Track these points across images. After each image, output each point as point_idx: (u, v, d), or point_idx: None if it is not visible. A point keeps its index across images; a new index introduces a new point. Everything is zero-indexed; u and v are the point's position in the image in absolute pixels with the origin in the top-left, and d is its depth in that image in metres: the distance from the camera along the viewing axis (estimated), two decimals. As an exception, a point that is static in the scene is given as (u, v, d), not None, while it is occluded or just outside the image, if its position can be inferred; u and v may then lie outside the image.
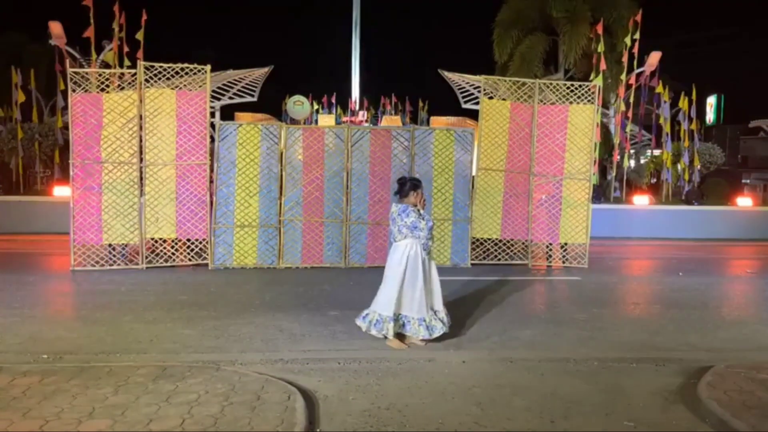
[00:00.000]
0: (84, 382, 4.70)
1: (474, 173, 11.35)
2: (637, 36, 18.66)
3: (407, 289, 5.96)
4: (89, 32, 16.99)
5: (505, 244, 11.47)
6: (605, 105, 20.17)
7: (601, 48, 17.87)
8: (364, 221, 10.88)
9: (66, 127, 10.61)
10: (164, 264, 10.49)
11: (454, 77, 13.54)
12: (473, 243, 11.32)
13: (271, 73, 13.12)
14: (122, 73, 10.78)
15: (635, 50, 19.06)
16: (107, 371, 4.96)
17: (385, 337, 6.02)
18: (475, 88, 11.88)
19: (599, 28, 18.64)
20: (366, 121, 22.88)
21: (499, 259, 11.40)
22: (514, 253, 11.53)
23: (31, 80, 20.62)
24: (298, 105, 15.17)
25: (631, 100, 19.44)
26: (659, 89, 20.53)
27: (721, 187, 21.62)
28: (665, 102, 20.88)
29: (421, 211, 6.05)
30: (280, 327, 6.83)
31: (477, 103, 11.51)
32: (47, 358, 5.60)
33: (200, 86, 10.50)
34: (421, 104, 26.62)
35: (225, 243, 10.59)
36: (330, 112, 23.97)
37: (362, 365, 5.51)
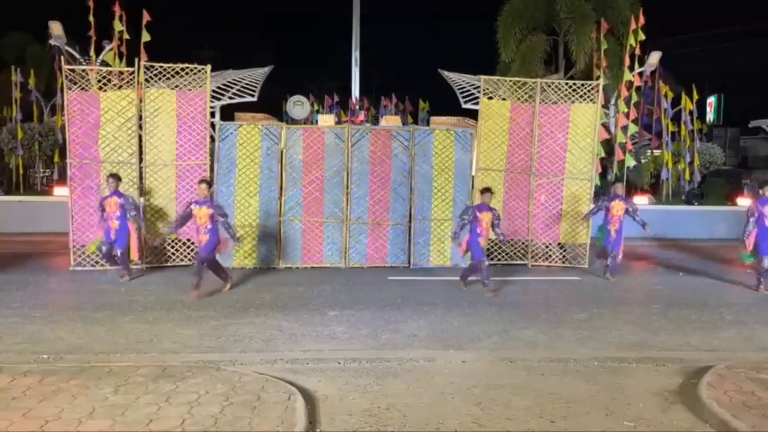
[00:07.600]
0: (84, 382, 4.70)
1: (474, 173, 11.34)
2: (642, 37, 18.61)
3: None
4: (92, 32, 16.94)
5: (505, 244, 11.44)
6: (606, 105, 20.11)
7: (604, 45, 17.84)
8: (364, 221, 10.88)
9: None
10: (164, 264, 10.49)
11: (454, 77, 13.51)
12: (473, 243, 11.29)
13: (271, 73, 13.07)
14: (121, 72, 10.75)
15: (637, 51, 19.03)
16: (107, 371, 4.96)
17: None
18: (475, 88, 11.85)
19: (604, 29, 18.60)
20: (366, 121, 22.83)
21: (499, 259, 11.39)
22: (514, 253, 11.52)
23: (30, 79, 20.59)
24: (298, 105, 15.12)
25: (633, 100, 19.42)
26: (663, 88, 20.50)
27: (721, 187, 21.60)
28: (668, 102, 20.85)
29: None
30: (280, 327, 6.83)
31: (477, 103, 11.47)
32: (47, 358, 5.61)
33: (200, 86, 10.49)
34: (421, 104, 26.53)
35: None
36: (331, 113, 23.91)
37: (362, 365, 5.51)
